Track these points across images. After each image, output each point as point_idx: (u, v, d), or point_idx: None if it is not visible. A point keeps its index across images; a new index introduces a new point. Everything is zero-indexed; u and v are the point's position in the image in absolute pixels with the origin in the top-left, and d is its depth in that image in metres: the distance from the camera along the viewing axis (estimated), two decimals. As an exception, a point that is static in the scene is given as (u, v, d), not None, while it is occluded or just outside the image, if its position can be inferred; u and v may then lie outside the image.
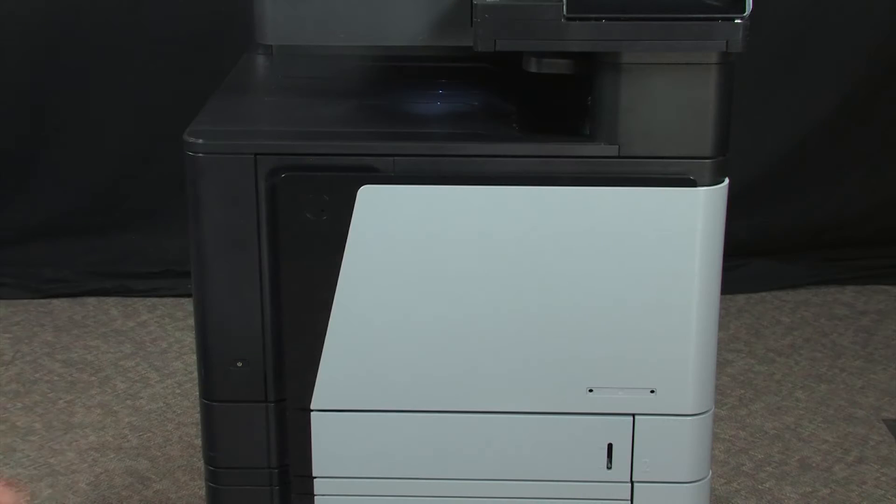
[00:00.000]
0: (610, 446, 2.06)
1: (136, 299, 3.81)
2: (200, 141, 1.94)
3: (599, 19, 1.84)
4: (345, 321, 1.99)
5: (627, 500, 2.09)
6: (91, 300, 3.81)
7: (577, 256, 1.95)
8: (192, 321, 2.13)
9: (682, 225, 1.94)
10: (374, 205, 1.93)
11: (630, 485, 2.08)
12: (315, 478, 2.09)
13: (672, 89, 1.89)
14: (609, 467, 2.07)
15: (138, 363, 3.43)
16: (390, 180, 1.92)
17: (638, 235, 1.94)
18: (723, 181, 1.95)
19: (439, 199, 1.93)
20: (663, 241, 1.94)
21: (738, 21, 1.83)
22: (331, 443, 2.06)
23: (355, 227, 1.94)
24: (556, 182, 1.92)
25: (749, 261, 3.86)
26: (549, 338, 1.99)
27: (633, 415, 2.04)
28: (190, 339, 3.51)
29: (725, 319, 3.63)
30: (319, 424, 2.05)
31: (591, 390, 2.02)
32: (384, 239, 1.95)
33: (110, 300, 3.81)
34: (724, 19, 1.83)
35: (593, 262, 1.95)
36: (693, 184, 1.92)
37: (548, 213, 1.93)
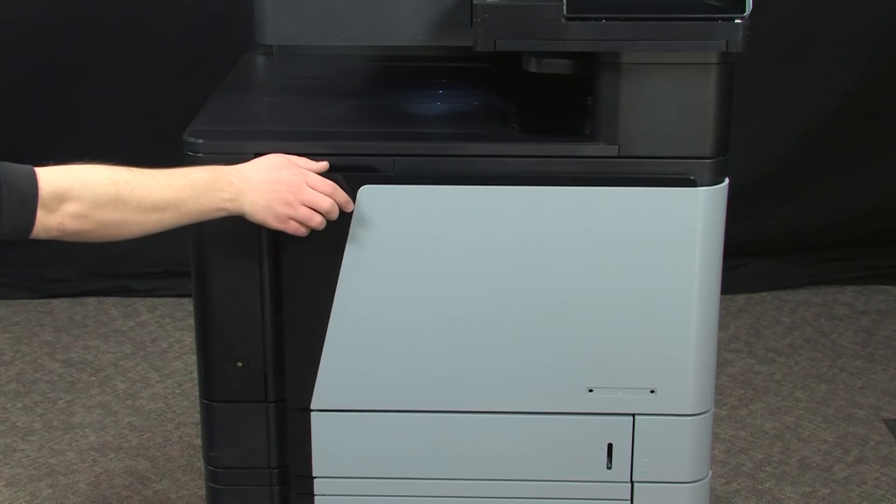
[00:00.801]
0: (610, 446, 2.06)
1: (136, 299, 3.81)
2: (200, 141, 1.95)
3: (599, 19, 1.84)
4: (345, 321, 1.99)
5: (627, 500, 2.09)
6: (91, 300, 3.81)
7: (577, 256, 1.95)
8: (192, 321, 2.13)
9: (682, 225, 1.94)
10: (375, 204, 1.93)
11: (630, 485, 2.08)
12: (315, 478, 2.09)
13: (672, 89, 1.89)
14: (609, 467, 2.07)
15: (138, 363, 3.43)
16: (390, 180, 1.92)
17: (638, 235, 1.94)
18: (723, 181, 1.95)
19: (439, 199, 1.93)
20: (663, 241, 1.94)
21: (738, 21, 1.83)
22: (331, 443, 2.06)
23: (355, 227, 1.94)
24: (556, 182, 1.92)
25: (749, 261, 3.86)
26: (549, 338, 1.99)
27: (633, 415, 2.04)
28: (190, 339, 3.51)
29: (725, 319, 3.63)
30: (319, 424, 2.05)
31: (591, 390, 2.02)
32: (384, 239, 1.95)
33: (110, 300, 3.81)
34: (724, 19, 1.83)
35: (593, 261, 1.95)
36: (693, 184, 1.92)
37: (548, 214, 1.93)
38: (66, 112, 3.81)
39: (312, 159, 1.92)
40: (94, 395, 3.25)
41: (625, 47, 1.86)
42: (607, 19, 1.84)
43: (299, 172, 1.87)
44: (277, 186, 1.85)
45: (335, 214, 1.90)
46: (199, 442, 2.77)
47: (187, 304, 3.70)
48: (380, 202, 1.93)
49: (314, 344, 2.01)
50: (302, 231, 1.88)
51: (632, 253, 1.95)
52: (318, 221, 1.88)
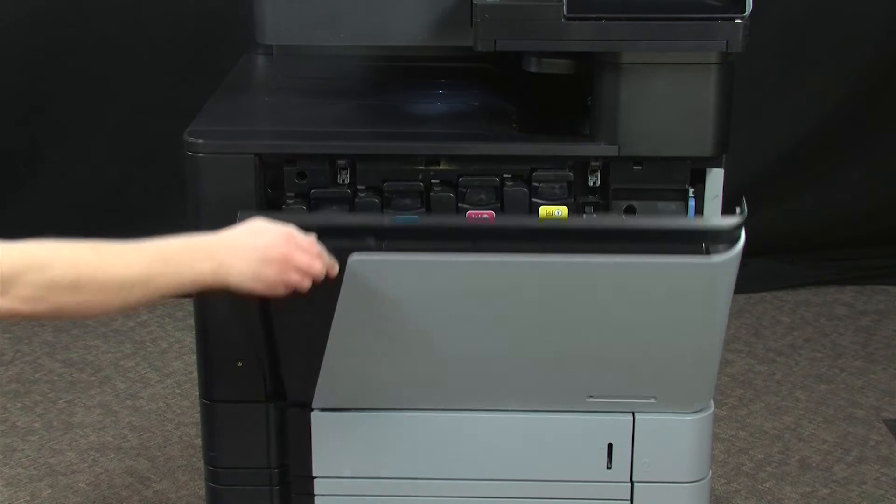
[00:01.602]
0: (610, 446, 2.05)
1: (136, 299, 3.80)
2: (200, 141, 1.94)
3: (599, 19, 1.84)
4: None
5: (627, 500, 2.09)
6: (91, 300, 3.80)
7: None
8: (192, 321, 2.13)
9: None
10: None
11: (630, 485, 2.08)
12: (315, 478, 2.09)
13: (672, 89, 1.89)
14: (609, 467, 2.06)
15: (138, 363, 3.43)
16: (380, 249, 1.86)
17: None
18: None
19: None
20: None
21: (738, 21, 1.83)
22: (331, 443, 2.06)
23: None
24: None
25: (749, 261, 3.84)
26: (550, 347, 1.97)
27: (634, 414, 2.04)
28: (190, 339, 3.51)
29: (725, 319, 3.62)
30: (319, 424, 2.05)
31: (590, 396, 2.02)
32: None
33: (110, 300, 3.80)
34: (724, 19, 1.83)
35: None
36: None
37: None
38: (66, 112, 3.81)
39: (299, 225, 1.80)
40: (94, 395, 3.25)
41: (625, 47, 1.86)
42: (607, 19, 1.84)
43: (285, 234, 1.74)
44: (265, 252, 1.71)
45: (323, 276, 1.78)
46: (199, 442, 2.77)
47: (187, 304, 3.69)
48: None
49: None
50: (290, 292, 1.77)
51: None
52: (307, 285, 1.76)
